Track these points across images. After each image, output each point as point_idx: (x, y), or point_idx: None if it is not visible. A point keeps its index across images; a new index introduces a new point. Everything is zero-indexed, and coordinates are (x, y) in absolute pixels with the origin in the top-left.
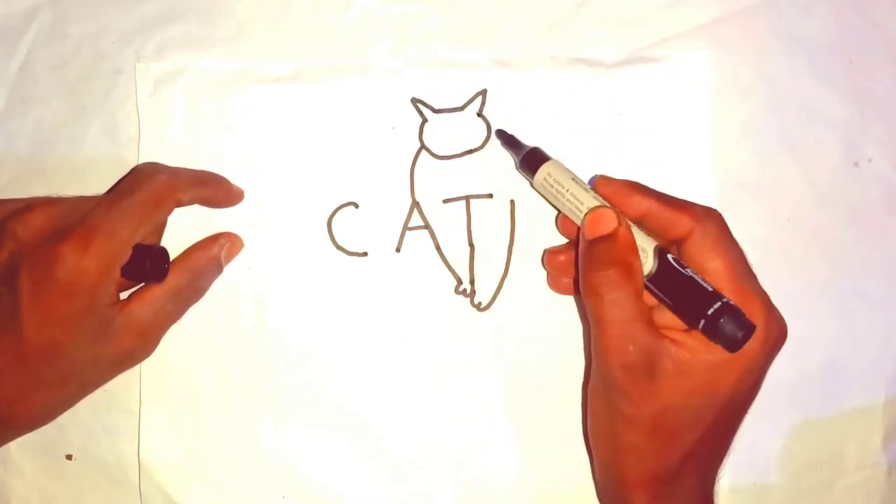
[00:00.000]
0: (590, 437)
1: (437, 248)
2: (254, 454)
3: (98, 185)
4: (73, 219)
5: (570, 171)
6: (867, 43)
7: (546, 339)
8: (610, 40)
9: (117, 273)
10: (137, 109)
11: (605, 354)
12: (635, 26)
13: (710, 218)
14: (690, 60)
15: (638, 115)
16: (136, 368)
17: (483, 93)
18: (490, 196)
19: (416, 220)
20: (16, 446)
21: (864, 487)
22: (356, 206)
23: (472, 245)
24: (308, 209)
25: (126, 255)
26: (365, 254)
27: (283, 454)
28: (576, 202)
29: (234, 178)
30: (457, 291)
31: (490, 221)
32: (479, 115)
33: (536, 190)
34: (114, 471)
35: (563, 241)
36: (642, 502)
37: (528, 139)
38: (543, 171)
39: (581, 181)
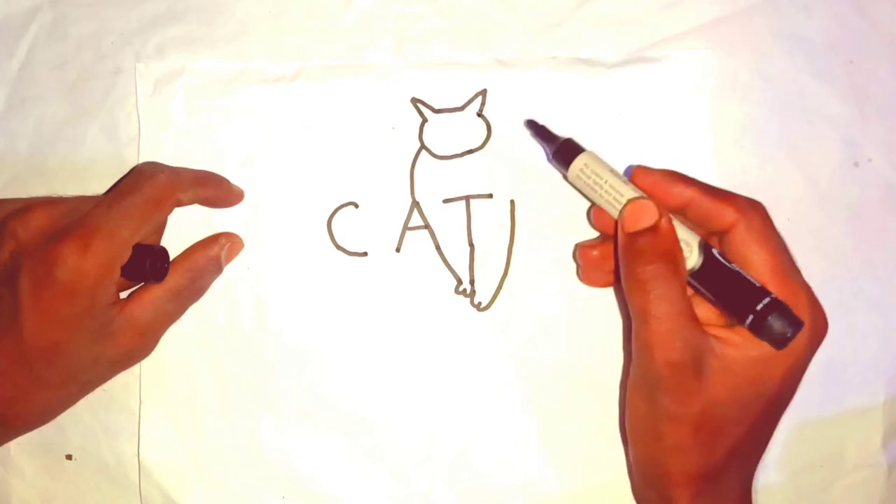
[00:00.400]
0: (629, 433)
1: (437, 248)
2: (254, 454)
3: (98, 185)
4: (73, 219)
5: (607, 163)
6: (867, 42)
7: (546, 338)
8: (610, 40)
9: (117, 273)
10: (137, 109)
11: (650, 350)
12: (635, 26)
13: (755, 210)
14: (690, 60)
15: (638, 115)
16: (135, 368)
17: (483, 93)
18: (490, 196)
19: (416, 219)
20: (16, 446)
21: (863, 488)
22: (356, 205)
23: (472, 245)
24: (308, 209)
25: (126, 254)
26: (365, 254)
27: (283, 454)
28: (614, 193)
29: (234, 178)
30: (457, 291)
31: (490, 221)
32: (479, 115)
33: (570, 182)
34: (113, 471)
35: (594, 233)
36: (686, 500)
37: (528, 139)
38: (580, 161)
39: (618, 173)
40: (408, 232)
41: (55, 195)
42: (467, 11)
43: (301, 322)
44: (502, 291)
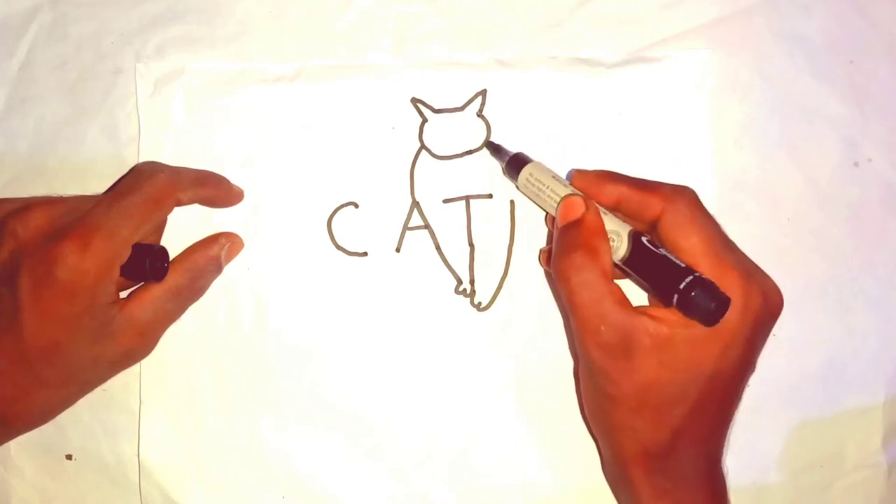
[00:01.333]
0: (587, 418)
1: (437, 248)
2: (254, 454)
3: (98, 185)
4: (72, 218)
5: (551, 171)
6: (867, 42)
7: (546, 338)
8: (610, 40)
9: (117, 272)
10: (137, 109)
11: (580, 337)
12: (635, 26)
13: (680, 196)
14: (690, 60)
15: (638, 115)
16: (135, 368)
17: (483, 93)
18: (490, 196)
19: (416, 219)
20: (16, 446)
21: (863, 488)
22: (356, 205)
23: (472, 245)
24: (308, 209)
25: (126, 254)
26: (365, 254)
27: (283, 454)
28: (554, 196)
29: (234, 178)
30: (457, 291)
31: (490, 221)
32: (479, 115)
33: (521, 192)
34: (113, 470)
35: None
36: (639, 477)
37: (528, 139)
38: (526, 171)
39: (561, 178)
40: (408, 232)
41: (55, 195)
42: (467, 11)
43: (301, 322)
44: (502, 291)
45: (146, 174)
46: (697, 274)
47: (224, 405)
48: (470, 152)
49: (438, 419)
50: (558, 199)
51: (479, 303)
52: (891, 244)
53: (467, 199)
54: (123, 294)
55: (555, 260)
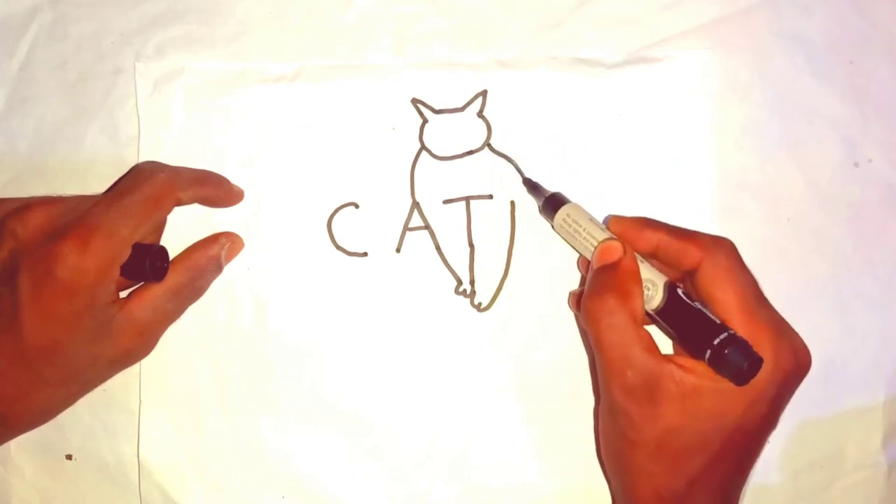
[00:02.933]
0: (603, 457)
1: (438, 248)
2: (253, 454)
3: (98, 185)
4: (72, 218)
5: (587, 213)
6: (867, 43)
7: (546, 339)
8: (610, 40)
9: (117, 272)
10: (137, 109)
11: (605, 378)
12: (635, 26)
13: (719, 247)
14: (690, 60)
15: (638, 115)
16: (135, 368)
17: (483, 93)
18: (490, 197)
19: (416, 220)
20: (16, 446)
21: (863, 488)
22: (356, 206)
23: (472, 246)
24: (308, 209)
25: (126, 253)
26: (365, 254)
27: (283, 454)
28: (591, 239)
29: (234, 178)
30: (457, 292)
31: (490, 222)
32: (480, 115)
33: (556, 232)
34: (113, 470)
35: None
36: None
37: (529, 140)
38: (563, 212)
39: (598, 221)
40: (408, 232)
41: (55, 195)
42: (467, 12)
43: (301, 322)
44: (502, 292)
45: (146, 174)
46: (732, 332)
47: (224, 405)
48: (470, 153)
49: (438, 419)
50: (594, 243)
51: (480, 303)
52: (891, 244)
53: (467, 199)
54: (123, 294)
55: (586, 300)
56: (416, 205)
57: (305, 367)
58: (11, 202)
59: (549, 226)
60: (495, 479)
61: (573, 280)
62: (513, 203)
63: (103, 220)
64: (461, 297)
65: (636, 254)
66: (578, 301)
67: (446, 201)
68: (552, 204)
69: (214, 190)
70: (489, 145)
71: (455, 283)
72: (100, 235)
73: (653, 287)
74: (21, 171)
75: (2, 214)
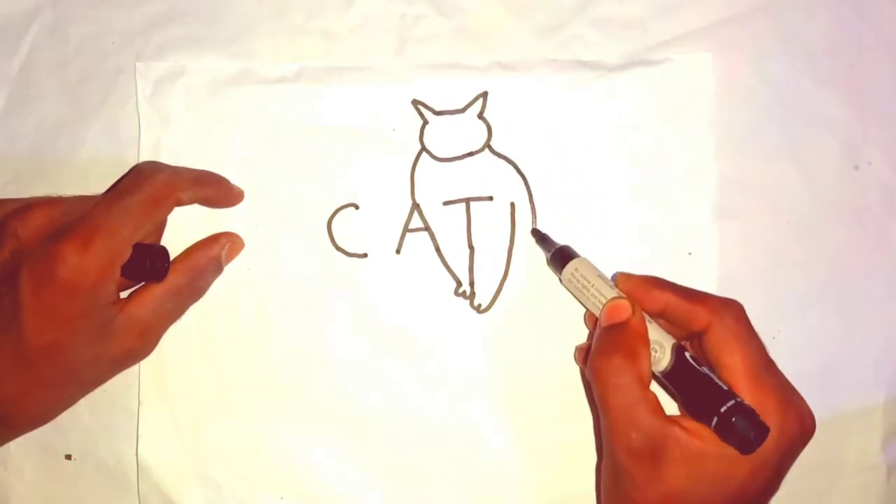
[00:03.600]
0: None
1: (437, 249)
2: (252, 454)
3: (98, 185)
4: (73, 218)
5: (596, 269)
6: (868, 46)
7: (546, 341)
8: (611, 43)
9: (117, 272)
10: (138, 109)
11: (610, 438)
12: (636, 29)
13: (728, 311)
14: (691, 63)
15: (638, 117)
16: (134, 368)
17: (484, 95)
18: (490, 198)
19: (416, 221)
20: (16, 446)
21: (863, 490)
22: (356, 207)
23: (471, 247)
24: (308, 210)
25: (126, 254)
26: (365, 255)
27: (282, 454)
28: (599, 296)
29: (234, 178)
30: (456, 293)
31: (490, 224)
32: (480, 117)
33: (564, 285)
34: (113, 471)
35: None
36: None
37: (529, 142)
38: (571, 266)
39: (606, 278)
40: (408, 234)
41: (55, 195)
42: (468, 13)
43: (301, 323)
44: (502, 293)
45: (146, 174)
46: (739, 399)
47: (223, 405)
48: (471, 154)
49: (438, 420)
50: (603, 300)
51: (479, 305)
52: (891, 246)
53: (468, 201)
54: (124, 294)
55: (593, 359)
56: (416, 206)
57: (305, 367)
58: (12, 202)
59: (549, 228)
60: (494, 480)
61: None
62: (513, 205)
63: (104, 221)
64: (461, 299)
65: (644, 313)
66: (585, 356)
67: (446, 203)
68: (560, 258)
69: (214, 190)
70: (490, 147)
71: (455, 284)
72: (100, 236)
73: (660, 349)
74: (21, 171)
75: (3, 215)
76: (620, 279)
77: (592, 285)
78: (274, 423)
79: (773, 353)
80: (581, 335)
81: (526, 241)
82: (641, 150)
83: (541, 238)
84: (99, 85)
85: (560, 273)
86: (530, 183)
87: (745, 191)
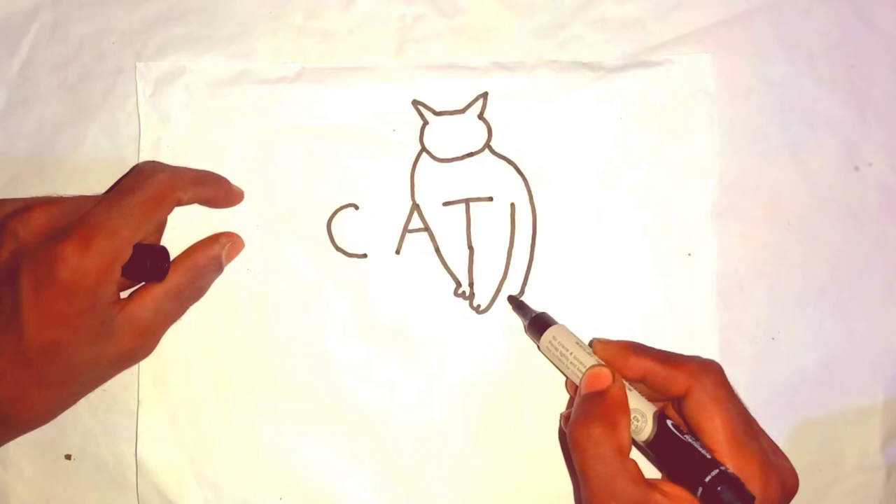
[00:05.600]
0: None
1: (437, 250)
2: (252, 455)
3: (98, 185)
4: (73, 218)
5: (574, 336)
6: (868, 46)
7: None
8: (611, 44)
9: (118, 272)
10: (138, 109)
11: None
12: (636, 30)
13: (707, 374)
14: (691, 64)
15: (639, 118)
16: (134, 368)
17: (484, 96)
18: (490, 199)
19: (416, 222)
20: (15, 446)
21: (862, 490)
22: (356, 207)
23: (471, 248)
24: (308, 210)
25: (127, 254)
26: (364, 255)
27: (281, 455)
28: (578, 364)
29: (234, 178)
30: (456, 294)
31: (490, 224)
32: (480, 117)
33: (542, 353)
34: (112, 471)
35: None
36: None
37: (529, 143)
38: (549, 334)
39: (584, 345)
40: (408, 234)
41: (55, 195)
42: (469, 14)
43: (301, 323)
44: (501, 294)
45: (146, 174)
46: (723, 468)
47: (222, 406)
48: (471, 155)
49: (437, 420)
50: (582, 368)
51: (479, 305)
52: (890, 247)
53: (467, 201)
54: (124, 294)
55: (573, 428)
56: (415, 206)
57: (304, 368)
58: (12, 202)
59: (549, 228)
60: (494, 480)
61: (572, 281)
62: (513, 205)
63: (104, 221)
64: (460, 300)
65: (624, 381)
66: (565, 421)
67: (446, 203)
68: (538, 326)
69: (214, 190)
70: (490, 147)
71: (454, 285)
72: (101, 236)
73: (641, 418)
74: (21, 171)
75: (3, 215)
76: (597, 346)
77: (571, 353)
78: (273, 423)
79: (773, 353)
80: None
81: (526, 242)
82: (641, 150)
83: (517, 305)
84: (99, 85)
85: (538, 341)
86: (530, 183)
87: (745, 191)
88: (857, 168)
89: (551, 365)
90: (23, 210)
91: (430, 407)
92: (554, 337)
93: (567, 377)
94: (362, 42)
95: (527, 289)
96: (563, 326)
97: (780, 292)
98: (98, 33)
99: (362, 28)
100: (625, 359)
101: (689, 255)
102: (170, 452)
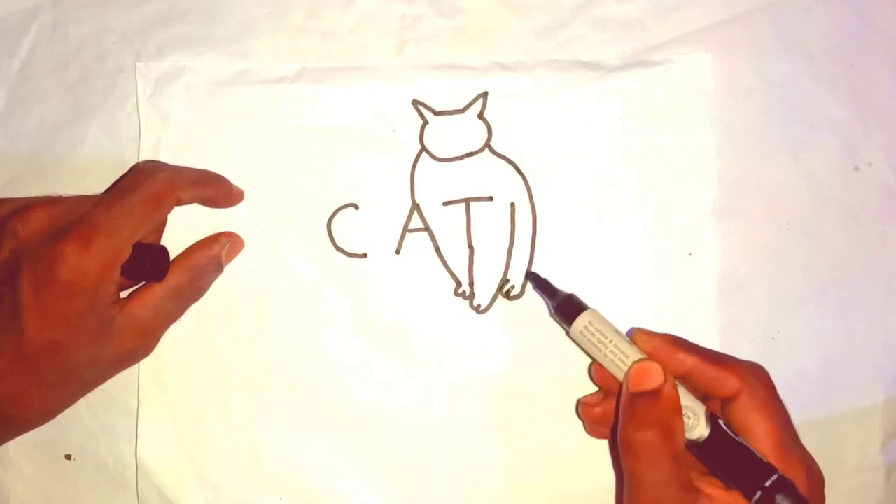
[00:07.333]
0: None
1: (437, 250)
2: (252, 454)
3: (98, 185)
4: (73, 218)
5: (609, 322)
6: (868, 46)
7: (545, 341)
8: (611, 43)
9: (118, 272)
10: (138, 109)
11: None
12: (636, 29)
13: (757, 378)
14: (691, 64)
15: (639, 118)
16: (134, 368)
17: (484, 95)
18: (490, 199)
19: (416, 222)
20: (15, 446)
21: (862, 491)
22: (356, 207)
23: (471, 247)
24: (308, 210)
25: (126, 253)
26: (364, 255)
27: (282, 455)
28: (619, 354)
29: (234, 178)
30: (456, 294)
31: (490, 224)
32: (480, 117)
33: (572, 338)
34: (112, 471)
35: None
36: None
37: (529, 142)
38: (584, 319)
39: (621, 333)
40: (408, 234)
41: (55, 195)
42: (468, 14)
43: (300, 323)
44: (501, 294)
45: (146, 173)
46: (781, 474)
47: (223, 406)
48: (470, 155)
49: (437, 420)
50: (625, 360)
51: (479, 305)
52: (891, 248)
53: (467, 201)
54: (124, 294)
55: (625, 431)
56: (415, 206)
57: (304, 368)
58: (12, 202)
59: (549, 228)
60: (495, 480)
61: (572, 281)
62: (513, 205)
63: (104, 221)
64: (460, 299)
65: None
66: (590, 411)
67: (446, 203)
68: (568, 309)
69: (214, 190)
70: (490, 147)
71: (454, 284)
72: (101, 235)
73: (693, 416)
74: (21, 171)
75: (3, 214)
76: (641, 337)
77: (611, 341)
78: (273, 423)
79: (773, 353)
80: None
81: (526, 242)
82: (641, 150)
83: (539, 284)
84: (99, 85)
85: (568, 325)
86: (530, 183)
87: (745, 191)
88: (857, 168)
89: (550, 364)
90: (23, 209)
91: (430, 407)
92: (590, 322)
93: (599, 365)
94: (362, 42)
95: (527, 288)
96: (595, 311)
97: (780, 292)
98: (98, 33)
99: (362, 28)
100: (671, 353)
101: (690, 254)
102: (170, 452)
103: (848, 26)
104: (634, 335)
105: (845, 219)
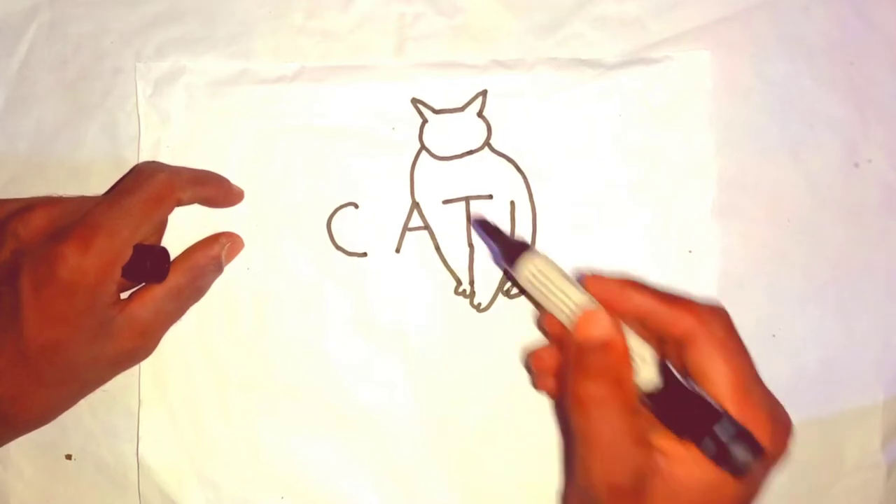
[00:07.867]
0: None
1: (437, 248)
2: (252, 454)
3: (98, 185)
4: (73, 218)
5: (560, 267)
6: (867, 44)
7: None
8: (610, 41)
9: (118, 272)
10: (137, 109)
11: (587, 472)
12: (635, 27)
13: (716, 319)
14: (690, 61)
15: (638, 116)
16: (135, 368)
17: (483, 93)
18: (490, 197)
19: (415, 220)
20: (16, 446)
21: (862, 489)
22: (356, 206)
23: (471, 246)
24: (308, 209)
25: (127, 254)
26: (364, 254)
27: (282, 454)
28: (567, 301)
29: (234, 179)
30: (456, 292)
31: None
32: (480, 115)
33: (521, 286)
34: (113, 471)
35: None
36: None
37: (528, 140)
38: (531, 265)
39: (571, 278)
40: (408, 232)
41: (55, 195)
42: (468, 12)
43: (301, 322)
44: (502, 292)
45: (146, 174)
46: (735, 422)
47: (223, 405)
48: (470, 153)
49: (438, 419)
50: (572, 307)
51: (479, 304)
52: (891, 245)
53: (467, 199)
54: (124, 295)
55: (574, 383)
56: (415, 205)
57: (305, 367)
58: (12, 203)
59: (549, 228)
60: (495, 479)
61: None
62: (513, 203)
63: (104, 221)
64: (461, 298)
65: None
66: (537, 360)
67: (446, 201)
68: (514, 255)
69: (214, 190)
70: (489, 145)
71: (454, 283)
72: (101, 236)
73: (642, 363)
74: (21, 171)
75: (3, 215)
76: (591, 281)
77: (558, 288)
78: (274, 422)
79: (773, 352)
80: None
81: (526, 240)
82: (641, 148)
83: (486, 229)
84: (98, 85)
85: (515, 272)
86: (530, 181)
87: (745, 189)
88: (857, 165)
89: None
90: (23, 210)
91: (431, 405)
92: (538, 269)
93: (547, 313)
94: (362, 41)
95: None
96: (545, 256)
97: (780, 290)
98: (97, 33)
99: (362, 27)
100: (622, 296)
101: (690, 252)
102: (171, 452)
103: (847, 24)
104: (586, 280)
105: (845, 217)
